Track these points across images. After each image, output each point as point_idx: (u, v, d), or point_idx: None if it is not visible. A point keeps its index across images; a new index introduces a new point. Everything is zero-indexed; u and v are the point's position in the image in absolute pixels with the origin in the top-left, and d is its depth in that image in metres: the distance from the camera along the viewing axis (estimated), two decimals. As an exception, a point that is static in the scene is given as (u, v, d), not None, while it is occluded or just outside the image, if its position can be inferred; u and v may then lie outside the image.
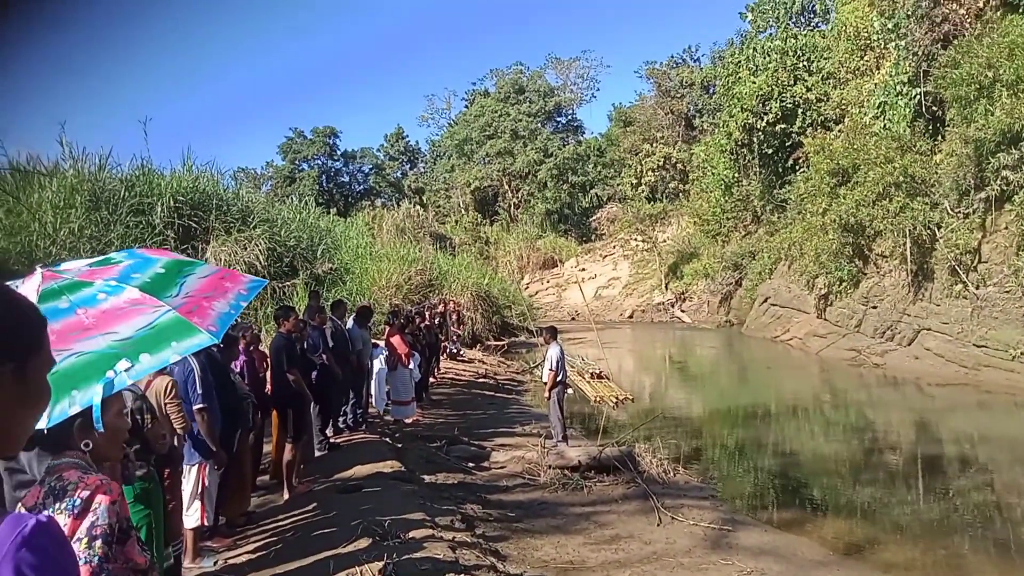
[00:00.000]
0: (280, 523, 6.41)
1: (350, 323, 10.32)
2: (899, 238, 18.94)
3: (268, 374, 7.56)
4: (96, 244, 11.09)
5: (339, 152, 62.08)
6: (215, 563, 5.44)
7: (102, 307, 2.96)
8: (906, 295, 18.93)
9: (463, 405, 13.98)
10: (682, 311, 36.23)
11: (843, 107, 26.14)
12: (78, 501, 2.17)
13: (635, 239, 43.52)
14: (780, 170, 30.51)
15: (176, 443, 5.11)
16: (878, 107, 22.12)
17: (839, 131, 25.26)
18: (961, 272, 16.92)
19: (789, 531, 7.63)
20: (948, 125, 19.22)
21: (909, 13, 20.26)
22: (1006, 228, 16.30)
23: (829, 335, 21.76)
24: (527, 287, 43.98)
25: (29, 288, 2.92)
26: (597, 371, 16.59)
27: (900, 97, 20.96)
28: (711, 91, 46.62)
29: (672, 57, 52.64)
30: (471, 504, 7.65)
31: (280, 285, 13.77)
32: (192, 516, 5.39)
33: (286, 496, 7.11)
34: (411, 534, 5.73)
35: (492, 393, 15.67)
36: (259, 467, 7.63)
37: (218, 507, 5.95)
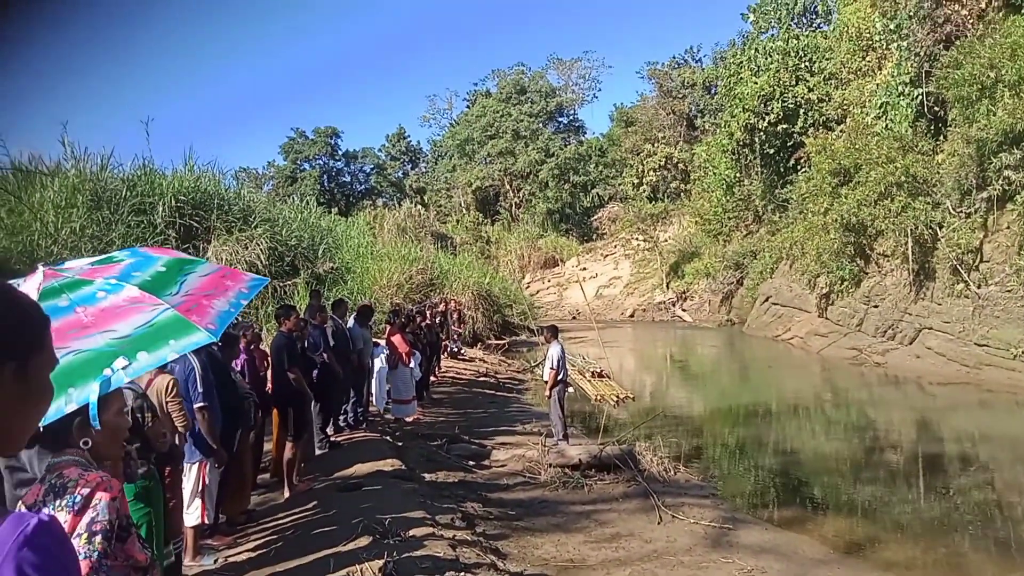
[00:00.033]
0: (280, 521, 6.42)
1: (351, 322, 10.34)
2: (901, 237, 18.93)
3: (269, 373, 7.57)
4: (98, 243, 11.10)
5: (340, 152, 62.16)
6: (215, 561, 5.45)
7: (101, 305, 2.97)
8: (907, 294, 18.91)
9: (464, 404, 13.99)
10: (683, 310, 36.23)
11: (845, 107, 26.13)
12: (78, 498, 2.18)
13: (636, 238, 43.52)
14: (782, 170, 30.50)
15: (177, 441, 5.12)
16: (880, 107, 22.11)
17: (841, 131, 25.26)
18: (963, 271, 16.91)
19: (790, 529, 7.63)
20: (950, 125, 19.21)
21: (911, 14, 20.24)
22: (1008, 228, 16.28)
23: (830, 334, 21.74)
24: (528, 286, 43.98)
25: (30, 286, 2.92)
26: (598, 370, 16.59)
27: (902, 97, 20.95)
28: (713, 91, 46.59)
29: (674, 58, 52.72)
30: (471, 502, 7.66)
31: (281, 284, 13.79)
32: (192, 514, 5.40)
33: (286, 494, 7.12)
34: (411, 532, 5.74)
35: (493, 392, 15.67)
36: (260, 465, 7.64)
37: (218, 505, 5.96)
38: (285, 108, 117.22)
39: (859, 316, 20.70)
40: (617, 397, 14.58)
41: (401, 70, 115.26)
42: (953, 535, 7.56)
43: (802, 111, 29.18)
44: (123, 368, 2.66)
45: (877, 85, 23.26)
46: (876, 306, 20.10)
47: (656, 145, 47.13)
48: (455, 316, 19.80)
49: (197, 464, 5.49)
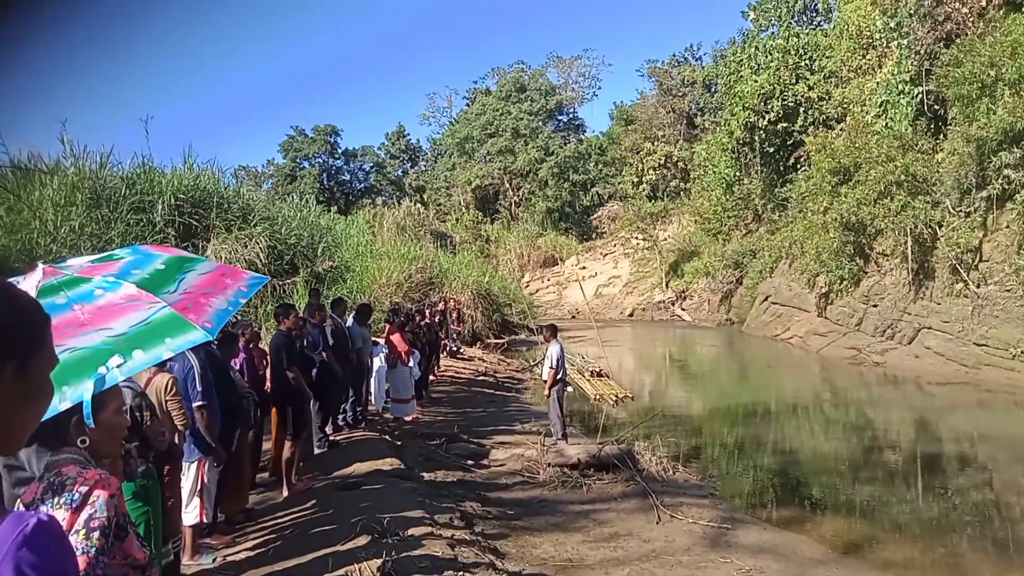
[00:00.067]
0: (279, 520, 6.42)
1: (350, 321, 10.33)
2: (900, 237, 18.93)
3: (268, 371, 7.57)
4: (97, 242, 11.10)
5: (340, 150, 62.08)
6: (214, 560, 5.45)
7: (98, 303, 2.97)
8: (907, 294, 18.92)
9: (463, 403, 13.99)
10: (682, 309, 36.22)
11: (845, 106, 26.11)
12: (76, 495, 2.18)
13: (636, 237, 43.50)
14: (781, 168, 30.49)
15: (177, 440, 5.12)
16: (880, 106, 22.10)
17: (841, 130, 25.26)
18: (962, 271, 16.91)
19: (788, 529, 7.64)
20: (950, 124, 19.20)
21: (911, 12, 20.23)
22: (1007, 227, 16.28)
23: (829, 333, 21.75)
24: (527, 285, 43.97)
25: (29, 284, 2.92)
26: (597, 369, 16.59)
27: (902, 96, 20.95)
28: (713, 90, 46.55)
29: (674, 56, 52.56)
30: (470, 502, 7.66)
31: (280, 283, 13.79)
32: (191, 513, 5.40)
33: (285, 493, 7.12)
34: (410, 532, 5.74)
35: (492, 391, 15.67)
36: (258, 464, 7.64)
37: (217, 504, 5.96)
38: (284, 106, 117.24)
39: (858, 315, 20.71)
40: (616, 396, 14.59)
41: (401, 68, 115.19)
42: (951, 535, 7.57)
43: (802, 109, 29.16)
44: (118, 366, 2.65)
45: (877, 83, 23.25)
46: (875, 305, 20.10)
47: (656, 144, 47.10)
48: (454, 315, 19.80)
49: (196, 463, 5.49)
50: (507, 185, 54.52)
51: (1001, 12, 18.46)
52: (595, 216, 50.18)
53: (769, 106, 29.75)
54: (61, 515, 2.12)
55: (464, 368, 17.77)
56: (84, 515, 2.15)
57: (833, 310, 22.13)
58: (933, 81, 19.42)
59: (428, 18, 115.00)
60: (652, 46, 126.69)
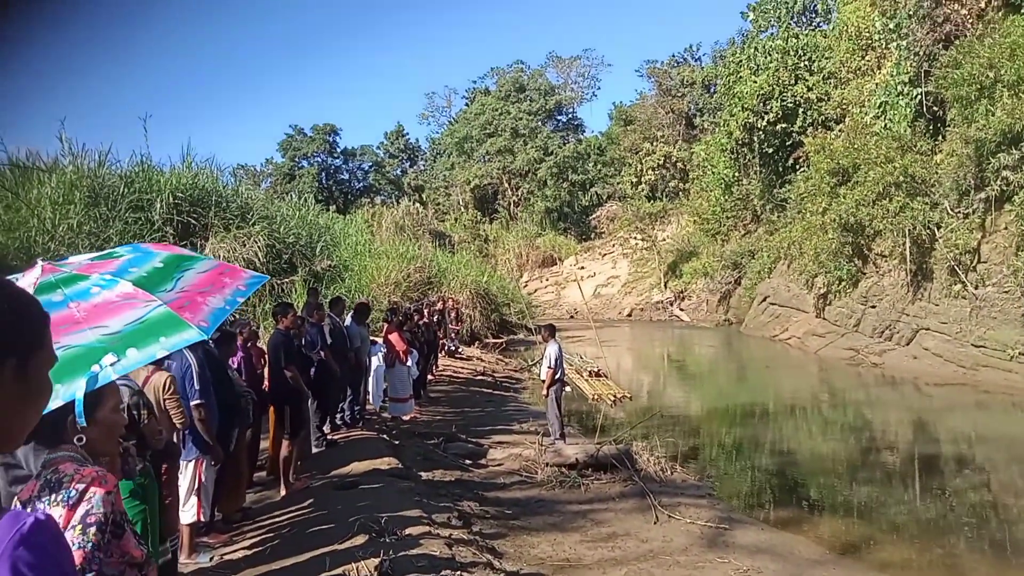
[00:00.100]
0: (277, 519, 6.42)
1: (348, 320, 10.33)
2: (899, 238, 18.94)
3: (266, 370, 7.57)
4: (95, 240, 11.08)
5: (339, 149, 62.06)
6: (211, 559, 5.45)
7: (94, 301, 2.96)
8: (905, 295, 18.94)
9: (461, 402, 13.99)
10: (681, 310, 36.23)
11: (844, 107, 26.12)
12: (73, 492, 2.18)
13: (635, 238, 43.49)
14: (780, 169, 30.50)
15: (176, 439, 5.12)
16: (879, 107, 22.11)
17: (840, 131, 25.24)
18: (960, 272, 16.93)
19: (786, 530, 7.64)
20: (949, 125, 19.22)
21: (911, 13, 20.25)
22: (1006, 228, 16.30)
23: (828, 334, 21.77)
24: (526, 285, 43.97)
25: (27, 281, 2.92)
26: (595, 369, 16.59)
27: (901, 97, 20.96)
28: (712, 90, 46.55)
29: (673, 56, 52.60)
30: (468, 501, 7.66)
31: (279, 282, 13.77)
32: (189, 512, 5.40)
33: (283, 492, 7.12)
34: (408, 531, 5.73)
35: (490, 391, 15.67)
36: (256, 463, 7.64)
37: (214, 503, 5.96)
38: (283, 105, 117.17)
39: (856, 316, 20.73)
40: (614, 396, 14.59)
41: (400, 67, 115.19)
42: (949, 536, 7.58)
43: (801, 110, 29.17)
44: (111, 365, 2.64)
45: (876, 84, 23.26)
46: (873, 306, 20.12)
47: (655, 144, 47.11)
48: (453, 314, 19.79)
49: (194, 461, 5.48)
50: (506, 185, 54.52)
51: (1000, 14, 18.48)
52: (594, 216, 50.20)
53: (768, 107, 29.76)
54: (58, 512, 2.12)
55: (462, 368, 17.77)
56: (80, 511, 2.15)
57: (831, 311, 22.15)
58: (932, 82, 19.44)
59: (428, 17, 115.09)
60: (651, 46, 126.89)
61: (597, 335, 17.16)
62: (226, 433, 5.89)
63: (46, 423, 2.30)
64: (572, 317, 36.21)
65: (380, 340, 11.60)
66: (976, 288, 16.47)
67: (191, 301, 3.21)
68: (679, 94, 49.33)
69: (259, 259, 13.39)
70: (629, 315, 38.29)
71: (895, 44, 21.39)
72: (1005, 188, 16.12)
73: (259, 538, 5.92)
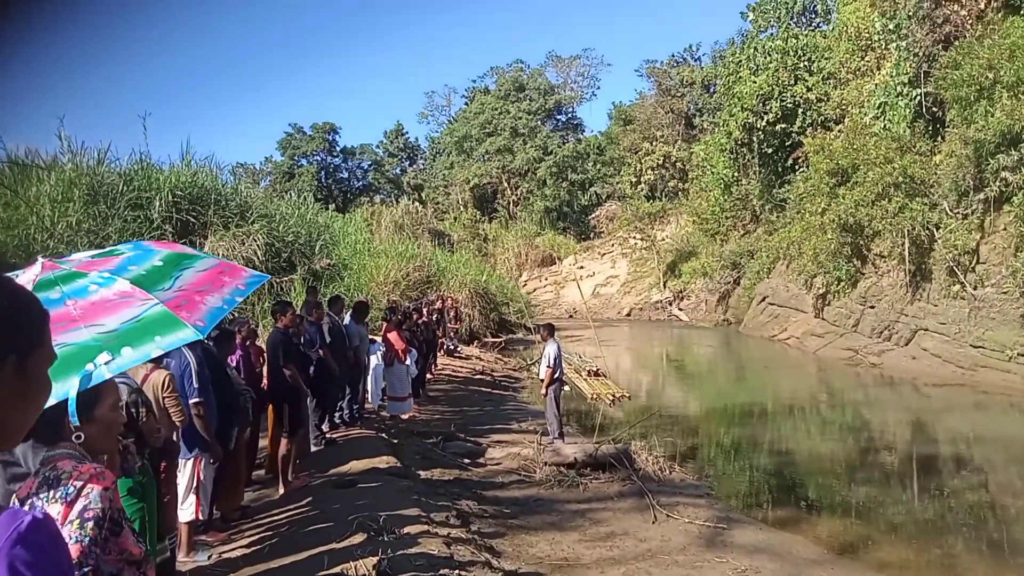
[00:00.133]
0: (275, 518, 6.42)
1: (347, 319, 10.33)
2: (898, 238, 18.95)
3: (265, 369, 7.56)
4: (94, 238, 11.08)
5: (338, 148, 62.02)
6: (209, 557, 5.44)
7: (91, 299, 2.95)
8: (904, 295, 18.95)
9: (460, 401, 13.99)
10: (680, 309, 36.24)
11: (843, 107, 26.13)
12: (71, 489, 2.18)
13: (634, 237, 43.51)
14: (780, 169, 30.50)
15: (175, 437, 5.12)
16: (878, 107, 22.12)
17: (839, 131, 25.25)
18: (959, 273, 16.94)
19: (784, 529, 7.65)
20: (948, 126, 19.23)
21: (910, 14, 20.25)
22: (1004, 229, 16.30)
23: (827, 335, 21.78)
24: (525, 284, 43.96)
25: (26, 278, 2.92)
26: (594, 368, 16.59)
27: (900, 98, 20.96)
28: (711, 90, 46.56)
29: (673, 56, 52.62)
30: (466, 500, 7.66)
31: (278, 280, 13.76)
32: (187, 510, 5.40)
33: (281, 491, 7.11)
34: (406, 530, 5.73)
35: (489, 390, 15.67)
36: (255, 461, 7.64)
37: (213, 501, 5.96)
38: (283, 104, 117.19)
39: (855, 317, 20.74)
40: (613, 396, 14.59)
41: (400, 66, 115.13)
42: (947, 536, 7.59)
43: (800, 111, 29.17)
44: (106, 363, 2.64)
45: (876, 85, 23.27)
46: (872, 307, 20.14)
47: (654, 144, 47.12)
48: (452, 313, 19.79)
49: (192, 460, 5.48)
50: (505, 184, 54.51)
51: (999, 15, 18.49)
52: (593, 216, 50.21)
53: (768, 107, 29.76)
54: (56, 509, 2.12)
55: (461, 367, 17.76)
56: (78, 506, 2.16)
57: (830, 311, 22.16)
58: (931, 83, 19.45)
59: (427, 16, 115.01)
60: (651, 46, 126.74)
61: (596, 334, 17.16)
62: (225, 431, 5.89)
63: (44, 421, 2.31)
64: (571, 316, 36.19)
65: (379, 339, 11.60)
66: (975, 289, 16.48)
67: (188, 300, 3.20)
68: (678, 94, 49.34)
69: (258, 257, 13.38)
70: (628, 315, 38.29)
71: (895, 45, 21.39)
72: (1004, 189, 16.13)
73: (257, 536, 5.92)
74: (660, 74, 50.80)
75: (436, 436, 10.43)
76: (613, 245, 46.31)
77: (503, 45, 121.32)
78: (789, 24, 34.54)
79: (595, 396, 14.61)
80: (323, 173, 60.89)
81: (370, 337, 11.35)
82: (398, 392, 11.32)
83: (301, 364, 7.74)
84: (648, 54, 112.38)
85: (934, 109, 20.18)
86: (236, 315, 8.21)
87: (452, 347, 18.94)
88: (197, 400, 5.41)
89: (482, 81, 61.47)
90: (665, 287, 38.73)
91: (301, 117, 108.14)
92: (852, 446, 11.80)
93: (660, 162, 46.03)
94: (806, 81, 29.30)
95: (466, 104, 61.22)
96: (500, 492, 8.35)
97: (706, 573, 6.15)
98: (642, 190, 46.04)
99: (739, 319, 29.58)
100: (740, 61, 33.68)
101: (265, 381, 7.47)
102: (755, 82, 30.37)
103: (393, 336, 11.25)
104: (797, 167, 27.50)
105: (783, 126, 29.67)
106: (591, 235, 50.81)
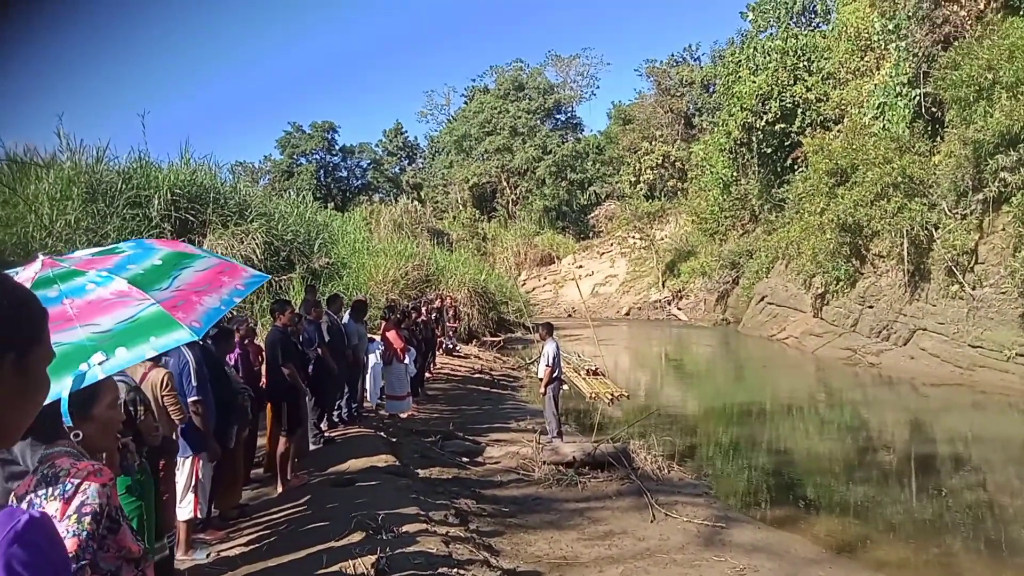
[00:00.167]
0: (274, 516, 6.42)
1: (346, 317, 10.33)
2: (896, 238, 18.97)
3: (263, 367, 7.56)
4: (92, 236, 11.07)
5: (337, 147, 62.03)
6: (208, 555, 5.44)
7: (88, 298, 2.94)
8: (902, 295, 18.96)
9: (458, 400, 13.99)
10: (679, 309, 36.26)
11: (842, 107, 26.15)
12: (69, 486, 2.18)
13: (633, 237, 43.52)
14: (779, 169, 30.52)
15: (174, 435, 5.11)
16: (877, 107, 22.13)
17: (838, 131, 25.26)
18: (958, 273, 16.96)
19: (782, 528, 7.66)
20: (947, 126, 19.24)
21: (910, 14, 20.26)
22: (1003, 229, 16.31)
23: (825, 334, 21.80)
24: (524, 283, 43.97)
25: (25, 276, 2.91)
26: (593, 368, 16.60)
27: (900, 98, 20.98)
28: (711, 90, 46.59)
29: (672, 56, 52.65)
30: (465, 499, 7.67)
31: (277, 279, 13.76)
32: (185, 508, 5.40)
33: (280, 489, 7.11)
34: (404, 528, 5.74)
35: (487, 389, 15.68)
36: (253, 460, 7.64)
37: (211, 500, 5.96)
38: (282, 103, 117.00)
39: (854, 316, 20.75)
40: (612, 395, 14.60)
41: (399, 65, 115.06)
42: (945, 535, 7.60)
43: (800, 111, 29.19)
44: (100, 363, 2.63)
45: (875, 85, 23.28)
46: (871, 307, 20.15)
47: (653, 143, 47.14)
48: (450, 312, 19.79)
49: (190, 458, 5.48)
50: (504, 183, 54.50)
51: (999, 15, 18.49)
52: (592, 215, 50.21)
53: (767, 107, 29.77)
54: (54, 505, 2.12)
55: (460, 366, 17.77)
56: (76, 502, 2.16)
57: (829, 311, 22.17)
58: (931, 83, 19.45)
59: (427, 16, 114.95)
60: (651, 46, 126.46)
61: (595, 334, 17.16)
62: (223, 430, 5.89)
63: (43, 418, 2.30)
64: (570, 316, 36.20)
65: (378, 337, 11.60)
66: (973, 289, 16.50)
67: (185, 300, 3.18)
68: (678, 93, 49.35)
69: (257, 256, 13.37)
70: (627, 314, 38.30)
71: (894, 45, 21.40)
72: (1003, 189, 16.14)
73: (256, 535, 5.92)
74: (659, 74, 50.80)
75: (435, 435, 10.43)
76: (612, 244, 46.32)
77: (503, 44, 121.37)
78: (789, 24, 34.57)
79: (594, 395, 14.62)
80: (322, 172, 60.89)
81: (369, 336, 11.35)
82: (397, 391, 11.32)
83: (300, 363, 7.74)
84: (648, 54, 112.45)
85: (933, 109, 20.19)
86: (235, 314, 8.20)
87: (451, 346, 18.95)
88: (195, 399, 5.40)
89: (481, 80, 61.54)
90: (664, 286, 38.74)
91: (300, 116, 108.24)
92: (850, 445, 11.81)
93: (659, 162, 46.05)
94: (805, 81, 29.32)
95: (465, 103, 61.20)
96: (499, 491, 8.36)
97: (704, 572, 6.15)
98: (641, 189, 46.05)
99: (738, 319, 29.60)
100: (740, 61, 33.68)
101: (263, 380, 7.47)
102: (754, 82, 30.38)
103: (392, 335, 11.25)
104: (796, 167, 27.52)
105: (782, 126, 29.69)
106: (590, 234, 50.82)
